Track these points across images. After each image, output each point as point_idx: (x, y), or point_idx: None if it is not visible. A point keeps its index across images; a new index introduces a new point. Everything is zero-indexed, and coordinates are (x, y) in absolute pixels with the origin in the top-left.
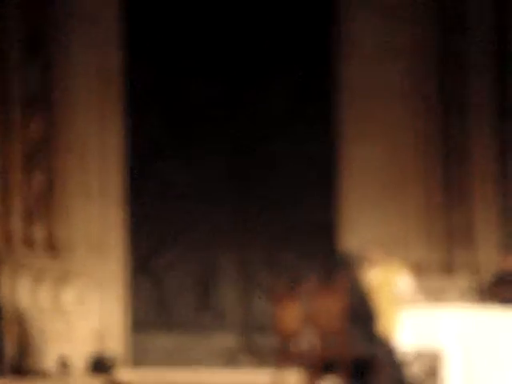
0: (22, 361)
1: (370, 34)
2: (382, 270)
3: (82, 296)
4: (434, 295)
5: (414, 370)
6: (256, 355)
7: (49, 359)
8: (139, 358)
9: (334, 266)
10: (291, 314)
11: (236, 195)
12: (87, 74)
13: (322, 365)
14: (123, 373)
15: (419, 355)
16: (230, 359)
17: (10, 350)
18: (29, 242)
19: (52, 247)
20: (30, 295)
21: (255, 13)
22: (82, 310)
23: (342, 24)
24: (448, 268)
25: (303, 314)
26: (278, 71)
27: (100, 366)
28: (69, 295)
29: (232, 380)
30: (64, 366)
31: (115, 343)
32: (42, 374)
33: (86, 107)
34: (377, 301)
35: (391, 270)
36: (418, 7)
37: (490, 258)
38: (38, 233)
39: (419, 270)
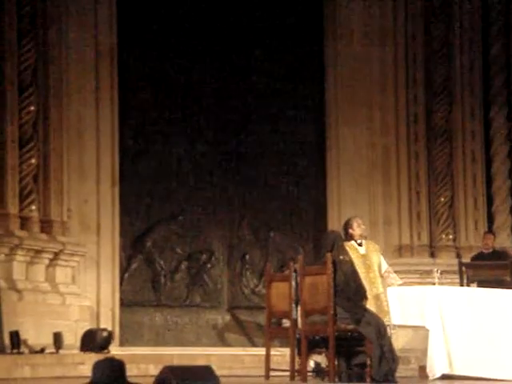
0: (18, 338)
1: (357, 18)
2: (368, 244)
3: (76, 275)
4: (417, 275)
5: (399, 345)
6: (245, 333)
7: (44, 337)
8: (132, 335)
9: (322, 246)
10: (281, 293)
11: (227, 175)
12: (81, 54)
13: (310, 342)
14: (116, 350)
15: (404, 331)
16: (220, 337)
17: (7, 328)
18: (24, 222)
19: (47, 227)
20: (25, 274)
21: None
22: (76, 289)
23: (331, 8)
24: (431, 249)
25: (293, 293)
26: (269, 52)
27: (93, 343)
28: (63, 274)
29: (221, 357)
30: (58, 343)
31: (108, 321)
32: (36, 350)
33: (81, 86)
34: (367, 274)
35: (374, 247)
36: None
37: (471, 240)
38: (34, 213)
39: (403, 250)
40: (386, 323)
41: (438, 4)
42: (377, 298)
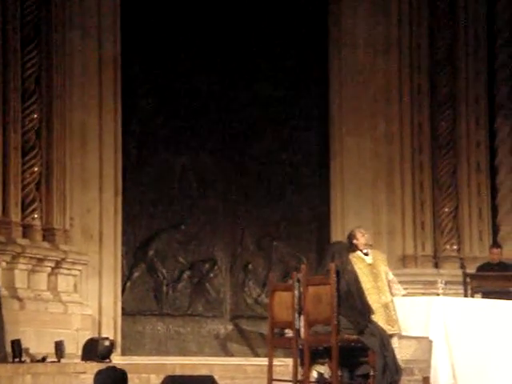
0: (19, 347)
1: (361, 27)
2: (375, 253)
3: (78, 284)
4: (420, 285)
5: (402, 356)
6: (247, 343)
7: (45, 346)
8: (134, 344)
9: (326, 256)
10: (284, 303)
11: (230, 184)
12: (85, 62)
13: (313, 353)
14: (118, 359)
15: (408, 342)
16: (222, 347)
17: (8, 336)
18: (26, 231)
19: (49, 236)
20: (27, 282)
21: (251, 2)
22: (78, 298)
23: (336, 16)
24: (435, 259)
25: (295, 303)
26: (273, 62)
27: (95, 352)
28: (65, 283)
29: (224, 367)
30: (60, 352)
31: (110, 330)
32: (38, 359)
33: (84, 94)
34: (375, 283)
35: (381, 256)
36: (409, 2)
37: (476, 251)
38: (36, 221)
39: (407, 260)
40: (395, 332)
41: (443, 14)
42: (386, 306)
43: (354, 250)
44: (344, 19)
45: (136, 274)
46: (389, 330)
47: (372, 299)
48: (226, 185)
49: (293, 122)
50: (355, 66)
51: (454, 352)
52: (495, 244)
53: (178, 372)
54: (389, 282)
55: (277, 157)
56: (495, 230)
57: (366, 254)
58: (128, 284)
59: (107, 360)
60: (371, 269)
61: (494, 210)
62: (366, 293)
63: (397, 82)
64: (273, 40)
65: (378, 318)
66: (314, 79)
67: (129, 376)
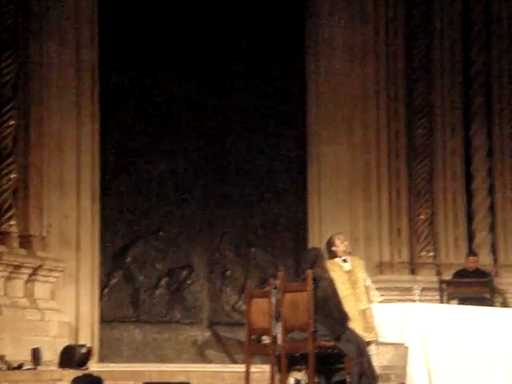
0: None
1: (338, 35)
2: (353, 260)
3: (55, 291)
4: (397, 292)
5: (379, 363)
6: (225, 350)
7: (22, 353)
8: (111, 351)
9: (303, 263)
10: (261, 310)
11: (208, 191)
12: (62, 69)
13: (290, 360)
14: (95, 366)
15: (384, 348)
16: (200, 353)
17: None
18: (3, 237)
19: (26, 242)
20: (4, 289)
21: (228, 10)
22: (55, 305)
23: (313, 24)
24: (411, 266)
25: (272, 310)
26: (250, 69)
27: (72, 359)
28: (42, 290)
29: (201, 374)
30: (37, 359)
31: (88, 337)
32: (14, 367)
33: (62, 101)
34: (353, 290)
35: (359, 263)
36: (385, 10)
37: (451, 257)
38: (13, 228)
39: (383, 267)
40: (372, 339)
41: (420, 22)
42: (363, 313)
43: (333, 257)
44: (321, 27)
45: (113, 281)
46: (366, 337)
47: (349, 306)
48: (204, 192)
49: (270, 130)
50: (332, 73)
51: (430, 358)
52: (472, 252)
53: (155, 379)
54: (366, 288)
55: (254, 164)
56: (471, 237)
57: (345, 261)
58: (105, 291)
59: (84, 367)
60: (349, 276)
61: (470, 217)
62: (344, 300)
63: (373, 89)
64: (250, 47)
65: (356, 325)
66: (291, 86)
67: (106, 383)
